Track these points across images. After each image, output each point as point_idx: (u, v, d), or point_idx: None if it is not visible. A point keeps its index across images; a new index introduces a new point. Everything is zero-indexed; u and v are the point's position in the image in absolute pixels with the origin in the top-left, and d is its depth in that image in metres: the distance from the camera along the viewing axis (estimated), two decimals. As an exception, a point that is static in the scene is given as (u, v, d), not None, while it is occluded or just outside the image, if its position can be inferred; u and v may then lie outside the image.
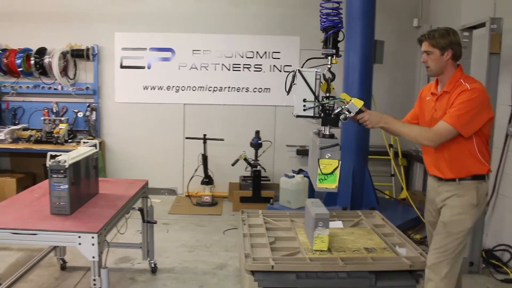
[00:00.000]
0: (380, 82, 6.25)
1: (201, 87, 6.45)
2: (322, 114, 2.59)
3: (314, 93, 2.53)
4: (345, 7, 5.47)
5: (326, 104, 2.58)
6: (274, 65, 6.53)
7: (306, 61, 2.72)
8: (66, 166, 2.73)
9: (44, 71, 6.14)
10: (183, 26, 6.38)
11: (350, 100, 2.59)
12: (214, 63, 6.46)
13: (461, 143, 2.65)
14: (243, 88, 6.52)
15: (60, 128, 5.83)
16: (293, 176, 5.54)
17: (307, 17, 6.39)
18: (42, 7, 6.36)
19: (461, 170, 2.69)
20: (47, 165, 2.75)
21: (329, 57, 2.66)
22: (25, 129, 6.11)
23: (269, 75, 6.52)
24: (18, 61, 6.06)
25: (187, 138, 6.00)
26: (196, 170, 6.18)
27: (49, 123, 5.95)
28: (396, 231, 3.97)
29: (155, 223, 3.68)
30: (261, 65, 6.51)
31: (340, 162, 2.51)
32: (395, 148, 6.76)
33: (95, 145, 3.34)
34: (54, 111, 6.32)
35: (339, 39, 2.70)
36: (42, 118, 6.05)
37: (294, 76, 2.61)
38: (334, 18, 2.67)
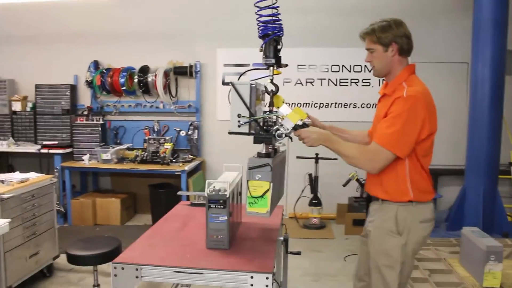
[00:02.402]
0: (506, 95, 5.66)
1: (306, 103, 6.13)
2: (259, 130, 2.28)
3: (248, 108, 2.20)
4: (472, 16, 5.00)
5: (260, 119, 2.27)
6: (384, 80, 6.07)
7: (244, 73, 2.46)
8: (227, 196, 2.43)
9: (146, 89, 6.07)
10: (287, 40, 6.00)
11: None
12: (320, 78, 6.14)
13: (399, 163, 2.26)
14: (350, 104, 6.13)
15: (166, 148, 5.67)
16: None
17: (420, 27, 5.92)
18: (142, 27, 6.37)
19: (381, 189, 2.35)
20: (206, 194, 2.46)
21: (271, 68, 2.35)
22: (129, 149, 6.03)
23: (378, 90, 6.08)
24: (122, 80, 6.04)
25: (298, 157, 5.66)
26: (302, 191, 5.84)
27: (154, 143, 5.82)
28: None
29: (299, 254, 3.33)
30: (369, 79, 6.10)
31: (271, 184, 2.18)
32: (517, 167, 6.11)
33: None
34: (156, 130, 6.21)
35: (279, 47, 2.36)
36: (147, 138, 5.94)
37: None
38: (272, 25, 2.32)
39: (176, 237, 2.72)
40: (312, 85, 6.17)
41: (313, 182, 5.80)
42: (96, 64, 6.31)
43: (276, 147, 2.38)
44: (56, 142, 6.02)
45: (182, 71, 6.13)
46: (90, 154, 5.84)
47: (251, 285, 2.16)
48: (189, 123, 6.20)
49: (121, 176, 6.46)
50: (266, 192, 2.21)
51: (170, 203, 5.44)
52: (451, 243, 3.91)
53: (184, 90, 6.33)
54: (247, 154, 6.98)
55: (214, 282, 2.29)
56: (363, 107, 6.10)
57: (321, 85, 6.15)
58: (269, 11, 2.31)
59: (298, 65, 6.13)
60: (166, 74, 6.07)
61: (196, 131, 6.17)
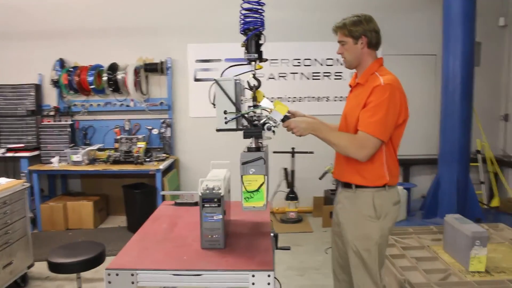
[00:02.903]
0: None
1: (279, 97, 6.11)
2: (247, 125, 2.32)
3: (234, 104, 2.24)
4: (443, 10, 5.10)
5: (247, 115, 2.31)
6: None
7: (227, 68, 2.47)
8: (222, 194, 2.38)
9: (116, 87, 5.88)
10: (259, 34, 6.05)
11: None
12: (293, 72, 6.13)
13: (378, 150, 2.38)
14: (323, 97, 6.16)
15: (139, 147, 5.52)
16: (391, 189, 5.14)
17: (390, 21, 6.02)
18: (109, 23, 6.17)
19: (357, 174, 2.44)
20: (199, 193, 2.40)
21: (253, 63, 2.41)
22: (100, 149, 5.84)
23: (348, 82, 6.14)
24: (90, 79, 5.83)
25: (274, 152, 5.64)
26: (279, 186, 5.83)
27: (126, 142, 5.65)
28: (542, 247, 3.62)
29: (289, 249, 3.31)
30: (341, 72, 6.16)
31: (266, 177, 2.24)
32: (483, 154, 6.33)
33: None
34: (127, 129, 6.05)
35: (261, 42, 2.44)
36: (119, 137, 5.77)
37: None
38: (254, 19, 2.41)
39: (168, 239, 2.64)
40: (285, 79, 6.16)
41: (289, 176, 5.80)
42: (61, 62, 6.06)
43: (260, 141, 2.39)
44: (22, 145, 5.75)
45: (152, 68, 5.98)
46: (59, 156, 5.61)
47: (253, 283, 2.13)
48: (162, 121, 6.06)
49: (91, 178, 6.26)
50: (261, 185, 2.23)
51: (145, 203, 5.37)
52: (432, 230, 3.99)
53: (155, 88, 6.18)
54: (221, 151, 6.95)
55: (214, 283, 2.23)
56: (336, 100, 6.14)
57: (294, 79, 6.15)
58: (251, 6, 2.35)
59: (271, 59, 6.10)
60: (136, 71, 5.89)
61: (169, 129, 6.04)
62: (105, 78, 5.81)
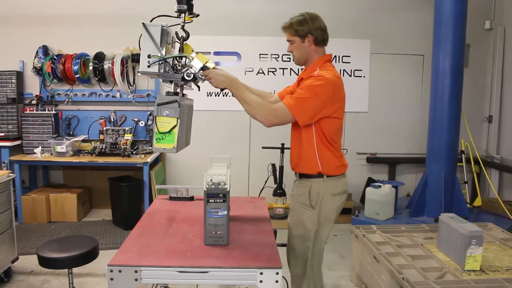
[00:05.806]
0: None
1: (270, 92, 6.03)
2: (170, 71, 2.35)
3: (158, 48, 2.29)
4: (434, 10, 5.12)
5: (170, 61, 2.35)
6: (344, 70, 6.16)
7: (155, 17, 2.40)
8: (228, 189, 2.33)
9: (102, 77, 5.72)
10: (249, 29, 5.99)
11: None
12: (282, 68, 6.08)
13: (308, 138, 2.53)
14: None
15: (126, 139, 5.39)
16: (380, 186, 5.16)
17: (379, 20, 6.05)
18: (95, 10, 5.97)
19: (299, 163, 2.62)
20: (204, 188, 2.34)
21: (183, 14, 2.44)
22: (84, 140, 5.68)
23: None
24: (76, 67, 5.64)
25: (263, 147, 5.59)
26: (266, 181, 5.79)
27: (113, 134, 5.51)
28: (531, 245, 3.68)
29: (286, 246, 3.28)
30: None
31: (178, 120, 2.28)
32: (467, 155, 6.43)
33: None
34: (112, 120, 5.90)
35: None
36: (105, 128, 5.62)
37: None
38: None
39: (168, 235, 2.58)
40: (274, 74, 6.09)
41: (277, 172, 5.75)
42: (45, 49, 5.85)
43: (184, 93, 2.49)
44: (2, 134, 5.55)
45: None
46: (42, 147, 5.43)
47: (260, 281, 2.09)
48: (148, 112, 5.94)
49: (74, 170, 6.10)
50: (173, 128, 2.27)
51: (132, 197, 5.25)
52: (424, 229, 4.01)
53: (142, 79, 6.00)
54: (208, 144, 6.71)
55: (220, 280, 2.18)
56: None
57: (283, 74, 6.08)
58: None
59: (260, 54, 6.04)
60: (123, 61, 5.74)
61: (156, 121, 5.91)
62: (91, 68, 5.63)
